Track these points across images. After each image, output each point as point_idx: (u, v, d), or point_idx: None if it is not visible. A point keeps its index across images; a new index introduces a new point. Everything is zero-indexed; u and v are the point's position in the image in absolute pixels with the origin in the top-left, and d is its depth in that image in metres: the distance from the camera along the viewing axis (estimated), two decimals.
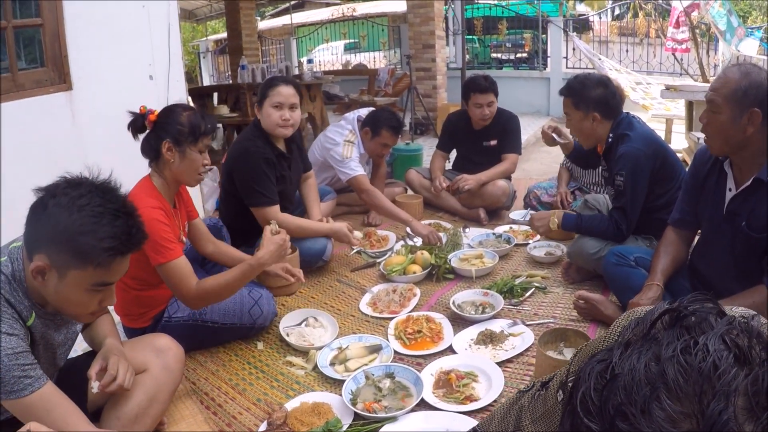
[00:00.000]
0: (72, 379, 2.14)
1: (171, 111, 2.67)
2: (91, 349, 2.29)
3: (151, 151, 2.67)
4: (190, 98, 8.63)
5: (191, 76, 20.93)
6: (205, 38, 22.77)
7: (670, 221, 2.90)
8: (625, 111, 3.44)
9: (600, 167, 3.97)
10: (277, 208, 3.65)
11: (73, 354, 2.24)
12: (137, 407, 2.11)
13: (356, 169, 4.48)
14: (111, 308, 2.82)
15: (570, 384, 0.88)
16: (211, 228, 3.28)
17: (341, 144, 4.56)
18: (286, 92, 3.64)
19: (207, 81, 19.75)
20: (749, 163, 2.43)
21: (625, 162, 3.21)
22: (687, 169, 2.87)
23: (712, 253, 2.68)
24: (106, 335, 2.19)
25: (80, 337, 2.28)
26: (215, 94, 9.81)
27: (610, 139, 3.38)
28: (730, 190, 2.54)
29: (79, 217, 1.65)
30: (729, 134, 2.37)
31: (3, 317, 1.69)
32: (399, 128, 4.77)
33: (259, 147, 3.63)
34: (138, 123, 2.65)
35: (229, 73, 13.51)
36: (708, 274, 2.71)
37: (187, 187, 2.93)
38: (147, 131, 2.67)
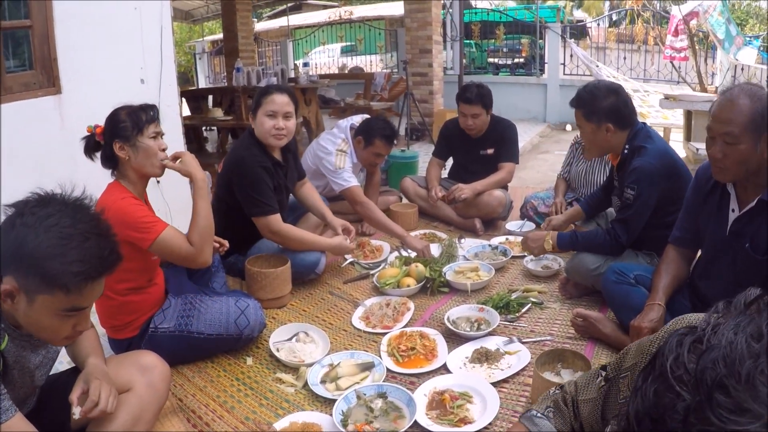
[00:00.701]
0: (54, 396, 2.08)
1: (112, 116, 2.63)
2: (74, 365, 2.22)
3: (108, 159, 2.65)
4: (184, 101, 8.60)
5: (187, 77, 20.87)
6: (201, 39, 22.72)
7: (671, 239, 2.84)
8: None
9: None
10: (278, 216, 3.58)
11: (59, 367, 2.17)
12: (121, 428, 2.03)
13: (350, 180, 4.41)
14: (95, 321, 2.76)
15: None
16: None
17: (334, 153, 4.50)
18: (280, 101, 3.56)
19: (203, 82, 19.66)
20: (754, 184, 2.36)
21: (638, 176, 3.10)
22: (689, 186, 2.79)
23: (714, 273, 2.61)
24: (89, 354, 2.11)
25: (64, 351, 2.21)
26: (210, 97, 9.76)
27: (625, 151, 3.26)
28: (733, 210, 2.47)
29: (46, 238, 1.55)
30: (750, 162, 2.28)
31: None
32: (392, 137, 4.70)
33: (255, 155, 3.55)
34: (91, 143, 2.65)
35: (225, 74, 13.45)
36: (709, 293, 2.63)
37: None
38: (102, 146, 2.65)
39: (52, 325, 1.66)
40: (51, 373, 2.23)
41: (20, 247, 1.55)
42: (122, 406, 2.06)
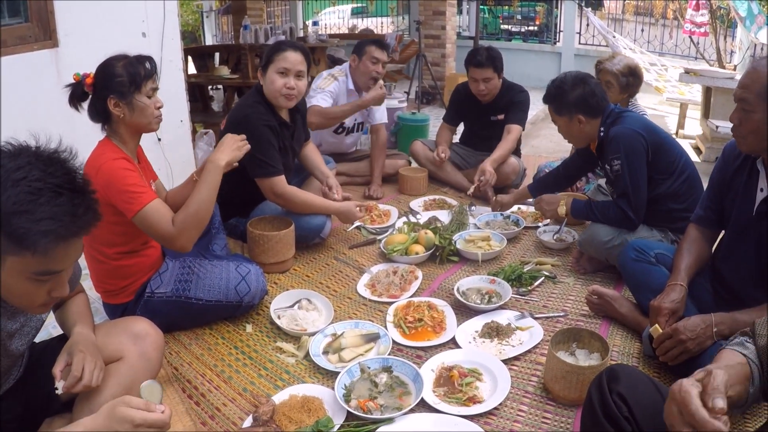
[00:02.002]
0: (43, 364, 1.96)
1: (106, 66, 2.44)
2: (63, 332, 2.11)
3: (99, 114, 2.47)
4: (190, 59, 8.42)
5: (195, 35, 20.54)
6: None
7: (693, 218, 2.67)
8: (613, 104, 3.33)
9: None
10: (283, 178, 3.43)
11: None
12: (111, 398, 1.90)
13: (321, 101, 4.35)
14: (89, 285, 2.64)
15: None
16: None
17: (323, 77, 4.51)
18: (293, 58, 3.38)
19: (210, 41, 19.33)
20: None
21: (617, 143, 3.07)
22: (715, 165, 2.62)
23: (737, 256, 2.43)
24: (76, 322, 1.99)
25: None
26: (216, 55, 9.57)
27: (601, 134, 3.25)
28: (761, 190, 2.29)
29: (14, 193, 1.37)
30: (763, 134, 2.13)
31: None
32: (382, 43, 4.64)
33: (261, 113, 3.38)
34: (78, 92, 2.44)
35: (233, 33, 13.22)
36: (731, 277, 2.47)
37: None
38: (89, 97, 2.46)
39: (24, 291, 1.49)
40: (41, 339, 2.13)
41: None
42: (112, 376, 1.95)
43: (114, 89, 2.39)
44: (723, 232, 2.59)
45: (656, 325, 2.28)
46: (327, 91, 4.41)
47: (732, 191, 2.44)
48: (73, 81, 2.44)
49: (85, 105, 2.47)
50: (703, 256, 2.60)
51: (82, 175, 1.51)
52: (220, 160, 2.59)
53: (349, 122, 4.80)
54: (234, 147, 2.67)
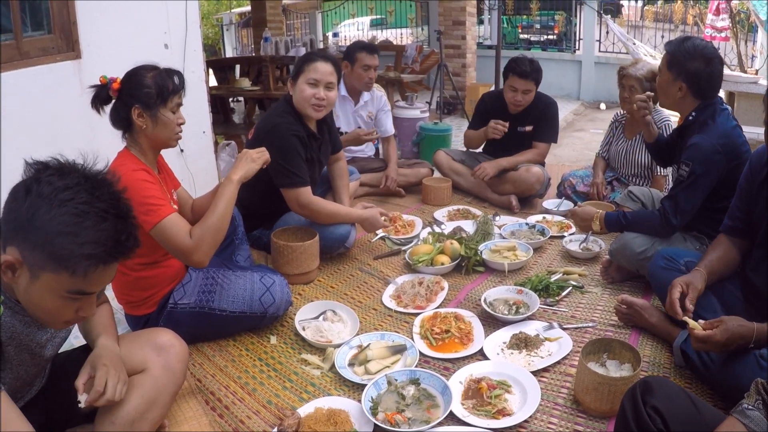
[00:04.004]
0: (65, 375, 1.93)
1: (135, 74, 2.42)
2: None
3: (121, 121, 2.45)
4: (211, 71, 8.45)
5: (215, 48, 20.73)
6: (229, 11, 22.53)
7: (722, 228, 2.59)
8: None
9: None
10: (308, 189, 3.40)
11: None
12: (134, 411, 1.88)
13: None
14: (111, 296, 2.62)
15: None
16: None
17: None
18: (323, 69, 3.37)
19: (230, 54, 19.51)
20: None
21: (694, 153, 2.89)
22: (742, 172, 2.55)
23: (767, 268, 2.37)
24: (100, 333, 1.97)
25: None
26: (237, 66, 9.60)
27: (691, 117, 3.06)
28: None
29: (60, 213, 1.40)
30: None
31: None
32: (371, 47, 4.69)
33: (290, 123, 3.37)
34: (102, 95, 2.42)
35: (253, 46, 13.33)
36: (762, 285, 2.40)
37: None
38: (113, 101, 2.44)
39: (53, 307, 1.51)
40: (64, 350, 2.11)
41: (32, 218, 1.41)
42: (135, 388, 1.92)
43: (140, 99, 2.38)
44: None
45: (696, 321, 2.19)
46: None
47: (760, 201, 2.37)
48: (99, 83, 2.42)
49: (107, 109, 2.46)
50: (730, 260, 2.53)
51: (125, 201, 1.54)
52: (234, 175, 2.59)
53: (346, 127, 4.84)
54: (248, 160, 2.65)
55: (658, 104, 4.10)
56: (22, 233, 1.42)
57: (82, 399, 1.71)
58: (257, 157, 2.69)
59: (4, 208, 1.48)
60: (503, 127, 4.54)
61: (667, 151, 3.49)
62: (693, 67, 2.95)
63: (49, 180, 1.43)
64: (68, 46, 3.44)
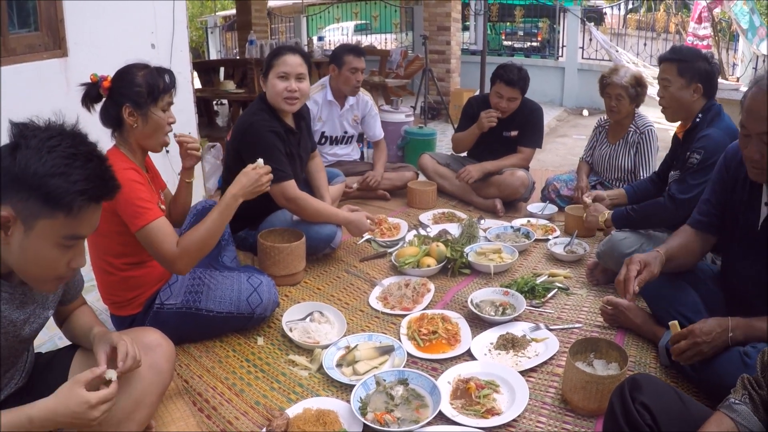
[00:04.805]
0: (49, 374, 1.95)
1: (125, 73, 2.40)
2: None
3: (111, 119, 2.42)
4: (195, 73, 8.42)
5: (198, 51, 20.65)
6: (213, 14, 22.44)
7: (691, 222, 2.58)
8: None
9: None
10: (293, 182, 3.39)
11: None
12: (120, 411, 1.87)
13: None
14: (97, 297, 2.61)
15: None
16: (205, 210, 2.93)
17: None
18: (292, 61, 3.37)
19: (214, 57, 19.43)
20: None
21: (707, 142, 3.00)
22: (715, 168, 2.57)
23: (746, 269, 2.35)
24: (92, 325, 1.98)
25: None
26: (222, 69, 9.57)
27: (698, 119, 3.17)
28: (766, 204, 2.25)
29: (50, 158, 1.50)
30: None
31: None
32: (358, 50, 4.69)
33: (265, 120, 3.36)
34: (92, 93, 2.40)
35: (237, 49, 13.29)
36: (742, 290, 2.39)
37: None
38: (103, 99, 2.42)
39: (50, 257, 1.57)
40: (47, 350, 2.10)
41: (23, 168, 1.49)
42: (122, 388, 1.89)
43: (131, 98, 2.36)
44: (723, 242, 2.54)
45: (675, 322, 2.22)
46: None
47: (734, 201, 2.38)
48: (89, 81, 2.40)
49: (97, 107, 2.43)
50: (691, 250, 2.54)
51: (101, 151, 1.65)
52: (238, 197, 2.56)
53: (331, 132, 4.85)
54: (256, 184, 2.61)
55: (638, 108, 4.20)
56: (15, 187, 1.49)
57: (112, 373, 1.70)
58: (265, 182, 2.64)
59: None
60: (496, 113, 4.56)
61: (651, 189, 3.66)
62: (702, 67, 3.11)
63: (34, 133, 1.53)
64: (55, 44, 3.43)
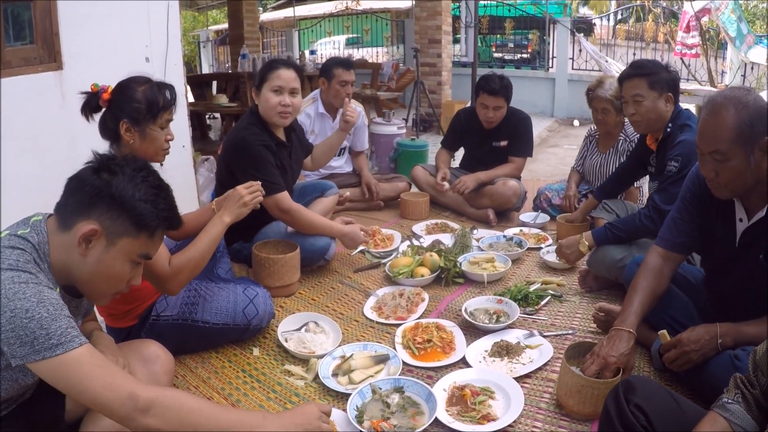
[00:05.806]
0: (50, 388, 1.92)
1: (125, 87, 2.39)
2: None
3: (109, 132, 2.41)
4: (188, 87, 8.45)
5: (191, 65, 20.68)
6: (205, 28, 22.50)
7: (661, 243, 2.54)
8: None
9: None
10: (287, 194, 3.40)
11: None
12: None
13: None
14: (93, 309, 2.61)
15: None
16: None
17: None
18: (286, 76, 3.39)
19: (206, 71, 19.46)
20: (758, 192, 2.15)
21: (683, 150, 3.05)
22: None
23: (727, 286, 2.38)
24: (93, 328, 2.09)
25: None
26: (214, 83, 9.60)
27: (668, 129, 3.24)
28: (741, 220, 2.25)
29: (143, 186, 1.72)
30: (745, 177, 2.08)
31: (39, 276, 1.60)
32: (348, 62, 4.73)
33: (256, 134, 3.37)
34: (92, 103, 2.39)
35: (229, 63, 13.34)
36: (725, 303, 2.42)
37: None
38: (103, 110, 2.41)
39: (121, 272, 1.74)
40: None
41: (121, 191, 1.68)
42: None
43: (129, 113, 2.34)
44: (703, 256, 2.58)
45: (664, 331, 2.26)
46: None
47: (709, 219, 2.40)
48: (90, 90, 2.39)
49: (96, 117, 2.42)
50: (660, 290, 2.49)
51: None
52: (226, 217, 2.59)
53: None
54: (239, 204, 2.64)
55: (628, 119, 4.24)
56: (104, 206, 1.67)
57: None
58: (249, 201, 2.67)
59: (66, 196, 1.72)
60: (443, 186, 4.84)
61: (616, 182, 3.87)
62: (668, 77, 3.20)
63: (125, 163, 1.74)
64: (50, 57, 3.44)
